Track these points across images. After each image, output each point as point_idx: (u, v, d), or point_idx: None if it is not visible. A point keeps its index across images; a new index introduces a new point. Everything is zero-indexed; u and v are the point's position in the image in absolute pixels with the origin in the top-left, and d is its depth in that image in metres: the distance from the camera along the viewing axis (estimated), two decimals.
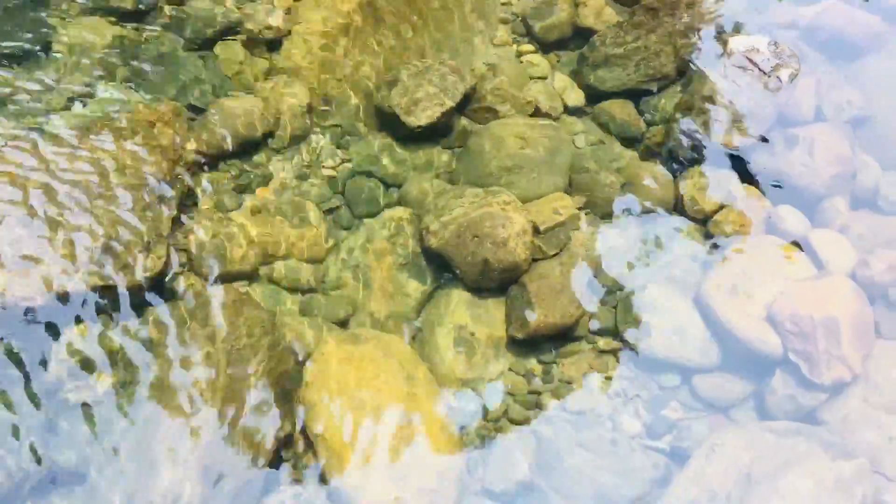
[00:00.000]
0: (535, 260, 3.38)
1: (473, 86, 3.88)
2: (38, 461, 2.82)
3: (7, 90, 3.70)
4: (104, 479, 2.77)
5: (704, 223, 3.52)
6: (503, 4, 4.33)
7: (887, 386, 3.06)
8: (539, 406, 3.14)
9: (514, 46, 4.19)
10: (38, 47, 3.87)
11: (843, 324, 3.06)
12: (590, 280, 3.38)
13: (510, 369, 3.23)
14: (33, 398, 2.92)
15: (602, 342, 3.27)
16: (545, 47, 4.19)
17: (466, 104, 3.87)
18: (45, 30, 3.93)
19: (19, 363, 2.98)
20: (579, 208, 3.56)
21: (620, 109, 3.90)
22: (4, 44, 3.82)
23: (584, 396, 3.15)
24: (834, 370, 3.04)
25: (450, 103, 3.75)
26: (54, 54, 3.86)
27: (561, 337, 3.27)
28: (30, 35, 3.90)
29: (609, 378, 3.20)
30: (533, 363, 3.26)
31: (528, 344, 3.25)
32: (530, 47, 4.19)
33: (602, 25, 4.14)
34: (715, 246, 3.46)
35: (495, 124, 3.78)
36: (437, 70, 3.84)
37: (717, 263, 3.36)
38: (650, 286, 3.35)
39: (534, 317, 3.20)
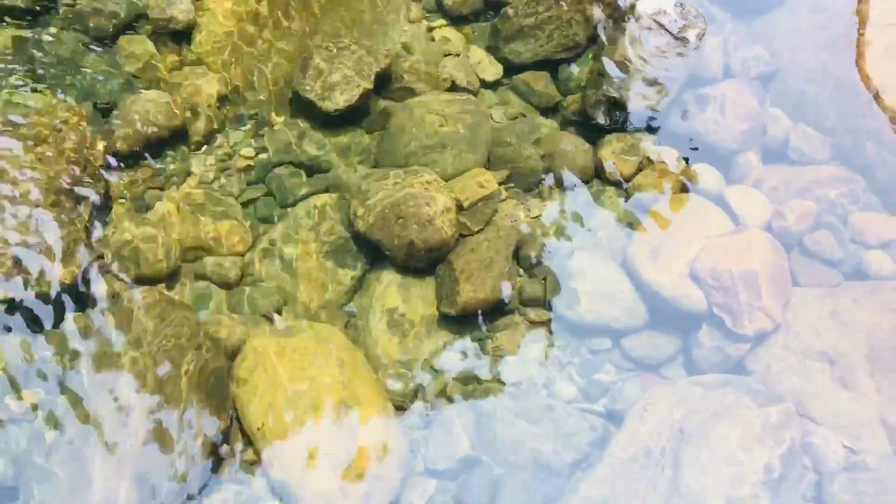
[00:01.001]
0: (461, 236, 3.39)
1: (389, 66, 3.84)
2: None
3: None
4: (38, 493, 2.69)
5: (624, 187, 3.57)
6: None
7: (807, 332, 3.17)
8: (476, 380, 3.16)
9: (427, 23, 4.16)
10: None
11: (761, 275, 3.15)
12: (518, 252, 3.41)
13: (444, 347, 3.24)
14: None
15: (533, 313, 3.30)
16: (457, 21, 4.17)
17: (383, 85, 3.84)
18: None
19: None
20: (502, 182, 3.58)
21: (536, 80, 3.91)
22: None
23: (519, 367, 3.18)
24: (756, 321, 3.13)
25: (366, 85, 3.71)
26: None
27: (492, 311, 3.29)
28: None
29: (542, 347, 3.24)
30: (466, 339, 3.27)
31: (460, 320, 3.26)
32: (443, 22, 4.16)
33: None
34: (636, 209, 3.52)
35: (413, 103, 3.75)
36: (352, 52, 3.79)
37: (638, 226, 3.43)
38: (576, 253, 3.39)
39: (463, 293, 3.21)
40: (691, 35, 3.74)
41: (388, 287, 3.35)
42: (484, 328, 3.28)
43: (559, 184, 3.60)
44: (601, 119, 3.72)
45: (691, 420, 2.86)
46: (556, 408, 3.07)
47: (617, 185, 3.59)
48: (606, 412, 3.09)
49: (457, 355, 3.22)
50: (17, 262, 3.07)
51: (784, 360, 3.13)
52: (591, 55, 3.94)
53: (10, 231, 3.11)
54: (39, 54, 3.76)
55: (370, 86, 3.72)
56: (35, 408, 2.88)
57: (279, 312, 3.31)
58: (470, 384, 3.16)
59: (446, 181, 3.50)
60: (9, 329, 3.00)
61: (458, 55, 4.02)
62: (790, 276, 3.31)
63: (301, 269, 3.40)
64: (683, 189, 3.54)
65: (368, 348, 3.22)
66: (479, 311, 3.26)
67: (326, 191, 3.62)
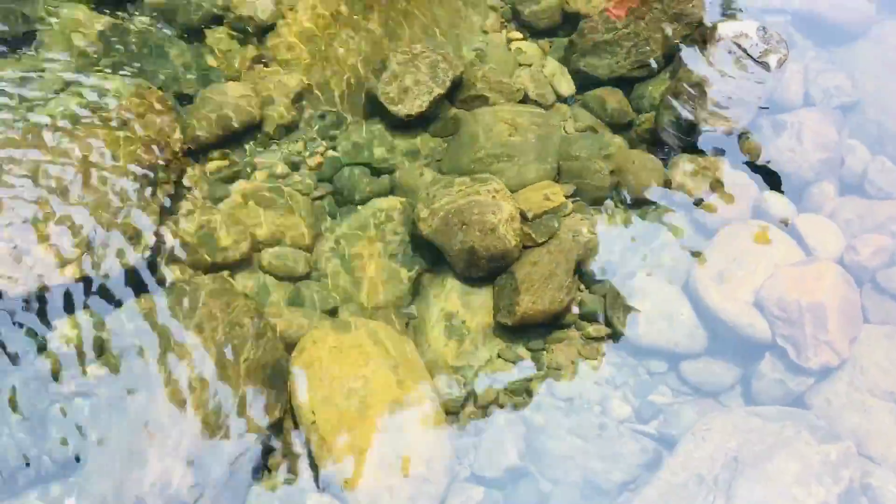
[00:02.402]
0: (524, 247, 3.38)
1: (462, 73, 3.87)
2: (31, 453, 2.83)
3: None
4: (95, 470, 2.77)
5: (693, 209, 3.52)
6: None
7: (874, 370, 3.08)
8: (528, 392, 3.15)
9: (504, 33, 4.18)
10: (25, 35, 3.85)
11: (829, 309, 3.07)
12: (579, 267, 3.39)
13: (499, 356, 3.24)
14: (24, 390, 2.92)
15: (590, 329, 3.28)
16: (535, 34, 4.18)
17: (456, 92, 3.87)
18: (32, 17, 3.91)
19: (9, 354, 2.98)
20: (568, 196, 3.56)
21: (610, 96, 3.89)
22: None
23: (573, 382, 3.16)
24: (821, 355, 3.05)
25: (439, 91, 3.74)
26: (42, 42, 3.84)
27: (549, 324, 3.27)
28: (17, 23, 3.87)
29: (597, 364, 3.21)
30: (522, 350, 3.27)
31: (516, 331, 3.26)
32: (519, 34, 4.17)
33: (592, 11, 4.12)
34: (703, 232, 3.47)
35: (484, 111, 3.77)
36: (427, 57, 3.83)
37: (705, 249, 3.37)
38: (639, 273, 3.36)
39: (521, 304, 3.20)
40: (772, 60, 3.67)
41: (448, 292, 3.36)
42: (540, 341, 3.27)
43: (626, 201, 3.57)
44: (673, 139, 3.67)
45: (747, 450, 2.80)
46: (609, 426, 3.04)
47: (685, 206, 3.54)
48: (659, 435, 3.04)
49: (511, 365, 3.21)
50: (91, 240, 3.17)
51: (847, 398, 3.04)
52: (667, 74, 3.90)
53: (86, 210, 3.22)
54: (128, 42, 3.89)
55: (443, 92, 3.75)
56: (99, 383, 2.96)
57: (339, 309, 3.35)
58: (522, 395, 3.14)
59: (512, 191, 3.50)
60: (81, 305, 3.09)
61: (532, 67, 4.02)
62: (860, 312, 3.21)
63: (363, 268, 3.44)
64: (753, 215, 3.47)
65: (423, 351, 3.23)
66: (537, 324, 3.24)
67: (392, 193, 3.66)
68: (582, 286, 3.37)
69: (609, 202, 3.59)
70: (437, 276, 3.44)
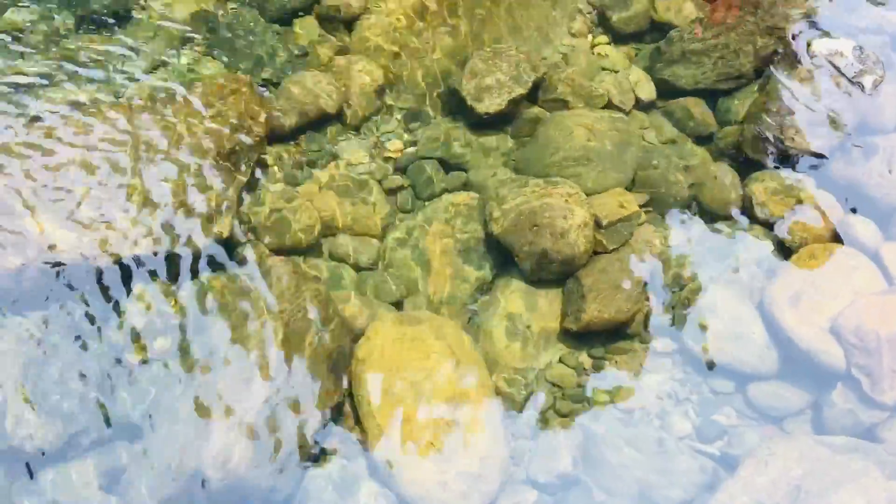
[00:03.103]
0: (595, 254, 3.35)
1: (545, 75, 3.85)
2: (99, 416, 2.93)
3: (89, 54, 3.83)
4: (159, 438, 2.85)
5: (772, 228, 3.43)
6: None
7: None
8: (588, 400, 3.12)
9: (589, 37, 4.15)
10: (121, 14, 3.99)
11: None
12: (649, 278, 3.33)
13: (561, 361, 3.22)
14: (98, 355, 3.02)
15: (657, 341, 3.23)
16: (620, 39, 4.13)
17: (537, 93, 3.85)
18: None
19: (86, 320, 3.08)
20: (643, 205, 3.51)
21: (694, 107, 3.82)
22: (89, 8, 3.95)
23: (635, 394, 3.12)
24: None
25: (520, 91, 3.74)
26: (137, 21, 3.97)
27: (615, 333, 3.24)
28: (114, 1, 4.01)
29: (661, 378, 3.16)
30: (584, 357, 3.24)
31: (580, 337, 3.23)
32: (605, 39, 4.13)
33: (681, 20, 4.06)
34: (782, 252, 3.38)
35: (564, 115, 3.75)
36: (510, 57, 3.83)
37: (782, 270, 3.28)
38: (711, 288, 3.29)
39: (588, 310, 3.17)
40: (867, 81, 3.55)
41: (514, 293, 3.35)
42: (604, 349, 3.23)
43: (703, 215, 3.51)
44: (757, 155, 3.59)
45: (812, 481, 2.71)
46: (668, 442, 2.99)
47: (764, 224, 3.45)
48: (720, 455, 2.98)
49: (572, 371, 3.19)
50: (169, 216, 3.26)
51: None
52: (755, 88, 3.80)
53: (169, 186, 3.31)
54: (219, 26, 4.00)
55: (524, 92, 3.74)
56: (168, 355, 3.04)
57: (404, 301, 3.38)
58: (581, 402, 3.12)
59: (587, 196, 3.47)
60: (156, 278, 3.18)
61: (616, 73, 3.98)
62: None
63: (431, 262, 3.45)
64: (836, 238, 3.37)
65: (486, 350, 3.23)
66: (602, 332, 3.21)
67: (466, 189, 3.67)
68: (651, 298, 3.32)
69: (685, 215, 3.53)
70: (504, 276, 3.43)
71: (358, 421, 2.99)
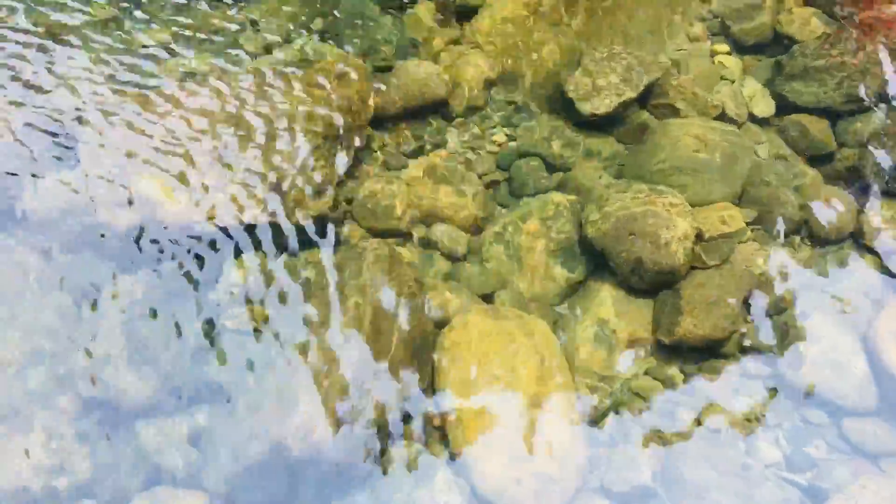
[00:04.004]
0: (693, 267, 3.26)
1: (657, 80, 3.77)
2: (191, 376, 3.03)
3: (212, 27, 3.95)
4: (245, 406, 2.92)
5: (885, 259, 3.27)
6: (703, 1, 4.17)
7: None
8: (672, 414, 3.05)
9: (708, 45, 4.04)
10: None
11: None
12: (748, 297, 3.23)
13: (647, 373, 3.15)
14: (194, 318, 3.13)
15: (750, 363, 3.12)
16: (740, 50, 4.01)
17: (647, 97, 3.78)
18: None
19: (187, 283, 3.20)
20: (749, 222, 3.40)
21: (812, 126, 3.67)
22: None
23: (722, 414, 3.02)
24: None
25: (630, 95, 3.67)
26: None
27: (708, 350, 3.15)
28: None
29: (752, 402, 3.06)
30: (674, 371, 3.16)
31: (671, 351, 3.16)
32: (724, 48, 4.02)
33: (806, 35, 3.91)
34: (892, 285, 3.22)
35: (674, 122, 3.66)
36: (623, 59, 3.77)
37: (892, 303, 3.13)
38: (813, 315, 3.16)
39: (682, 324, 3.10)
40: None
41: (604, 298, 3.30)
42: (695, 365, 3.15)
43: (812, 237, 3.37)
44: (876, 182, 3.42)
45: None
46: (753, 467, 2.89)
47: (877, 253, 3.29)
48: (808, 487, 2.86)
49: (659, 385, 3.12)
50: (274, 189, 3.34)
51: None
52: (881, 113, 3.63)
53: (275, 160, 3.40)
54: (336, 9, 4.07)
55: (634, 96, 3.68)
56: (262, 325, 3.12)
57: (493, 295, 3.37)
58: (666, 416, 3.05)
59: (691, 207, 3.38)
60: (255, 249, 3.27)
61: (732, 83, 3.86)
62: None
63: (524, 259, 3.43)
64: None
65: (571, 353, 3.20)
66: (695, 348, 3.13)
67: (565, 189, 3.63)
68: (749, 318, 3.21)
69: (793, 236, 3.40)
70: (595, 280, 3.39)
71: (439, 408, 3.00)
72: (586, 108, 3.67)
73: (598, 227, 3.32)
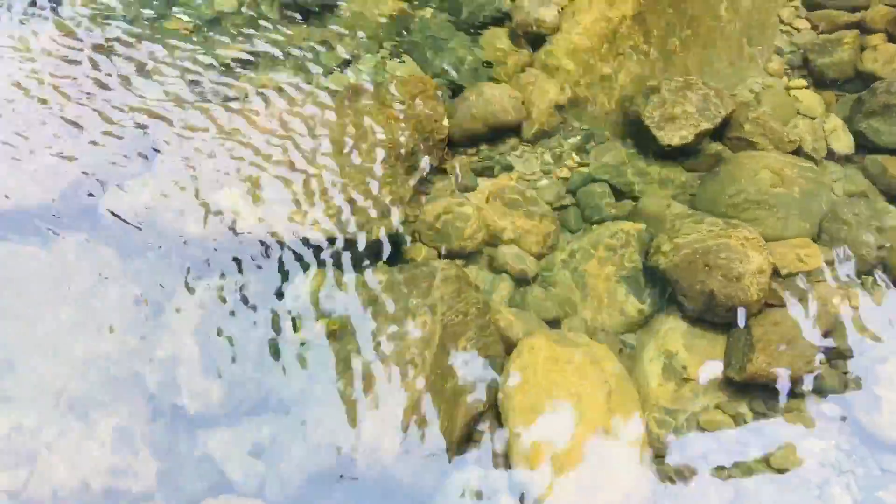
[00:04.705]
0: (767, 304, 3.20)
1: (734, 111, 3.72)
2: (259, 385, 3.06)
3: (289, 44, 4.03)
4: (309, 418, 2.93)
5: None
6: (783, 33, 4.12)
7: None
8: (741, 453, 2.97)
9: (786, 79, 3.98)
10: (325, 7, 4.17)
11: None
12: (824, 338, 3.15)
13: (717, 409, 3.08)
14: (263, 328, 3.16)
15: (824, 405, 3.04)
16: (820, 85, 3.95)
17: (723, 129, 3.73)
18: None
19: (257, 294, 3.24)
20: (826, 261, 3.32)
21: (892, 165, 3.59)
22: None
23: (794, 457, 2.94)
24: None
25: (706, 126, 3.63)
26: (337, 15, 4.14)
27: (780, 390, 3.07)
28: None
29: (825, 445, 2.97)
30: (744, 409, 3.09)
31: (741, 388, 3.09)
32: (803, 83, 3.96)
33: (888, 72, 3.83)
34: None
35: (750, 155, 3.61)
36: (699, 89, 3.73)
37: None
38: (891, 358, 3.07)
39: (755, 362, 3.03)
40: None
41: (673, 330, 3.25)
42: (766, 404, 3.07)
43: (892, 280, 3.28)
44: None
45: None
46: None
47: None
48: None
49: (729, 421, 3.05)
50: (344, 205, 3.37)
51: None
52: None
53: (349, 176, 3.43)
54: (412, 29, 4.11)
55: (711, 127, 3.64)
56: (329, 340, 3.13)
57: (560, 321, 3.34)
58: (734, 455, 2.97)
59: (766, 242, 3.32)
60: (324, 263, 3.29)
61: (811, 119, 3.80)
62: None
63: (591, 286, 3.40)
64: None
65: (639, 385, 3.15)
66: (766, 386, 3.06)
67: (634, 218, 3.60)
68: (824, 359, 3.13)
69: (871, 277, 3.31)
70: (664, 312, 3.34)
71: (503, 434, 2.98)
72: (662, 137, 3.64)
73: (670, 257, 3.28)
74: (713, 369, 3.17)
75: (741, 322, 3.17)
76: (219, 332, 3.15)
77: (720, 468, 2.95)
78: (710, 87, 3.75)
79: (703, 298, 3.18)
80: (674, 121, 3.64)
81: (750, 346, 3.07)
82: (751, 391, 3.09)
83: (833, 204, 3.49)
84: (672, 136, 3.62)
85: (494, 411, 3.04)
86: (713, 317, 3.21)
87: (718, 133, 3.73)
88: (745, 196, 3.45)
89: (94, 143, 3.58)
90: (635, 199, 3.66)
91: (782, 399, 3.08)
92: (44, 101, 3.69)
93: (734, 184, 3.50)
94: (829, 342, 3.15)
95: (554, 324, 3.35)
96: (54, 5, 4.16)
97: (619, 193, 3.67)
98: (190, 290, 3.24)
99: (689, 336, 3.24)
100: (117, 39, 4.00)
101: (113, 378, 3.10)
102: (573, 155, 3.79)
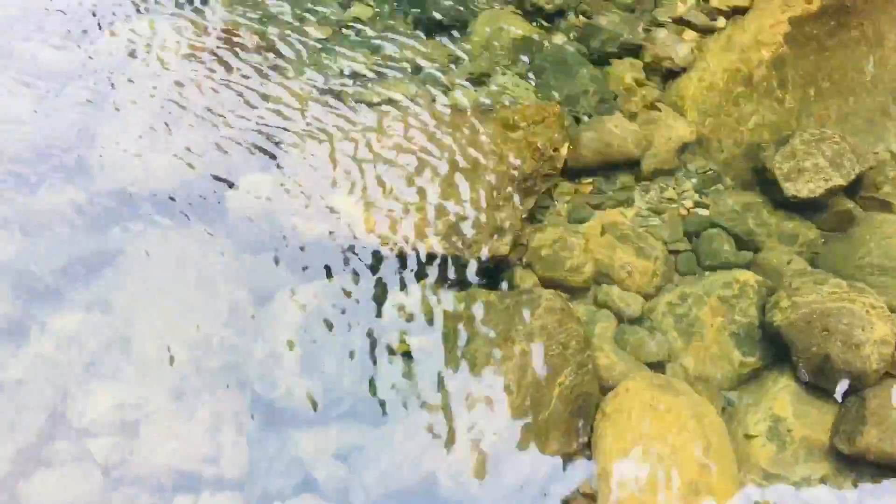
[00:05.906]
0: (887, 375, 3.02)
1: (870, 169, 3.55)
2: (353, 391, 3.09)
3: (416, 58, 4.08)
4: (402, 430, 2.95)
5: None
6: None
7: None
8: None
9: None
10: (456, 25, 4.22)
11: None
12: None
13: (821, 480, 2.93)
14: (362, 335, 3.20)
15: None
16: None
17: (857, 187, 3.56)
18: (466, 10, 4.26)
19: (360, 300, 3.28)
20: None
21: None
22: (431, 13, 4.22)
23: None
24: None
25: (839, 182, 3.47)
26: (468, 35, 4.18)
27: (891, 469, 2.89)
28: (453, 11, 4.25)
29: None
30: (848, 483, 2.92)
31: (850, 461, 2.92)
32: None
33: None
34: None
35: (884, 217, 3.43)
36: (835, 143, 3.57)
37: None
38: None
39: (866, 436, 2.86)
40: None
41: (782, 391, 3.11)
42: (873, 483, 2.90)
43: None
44: None
45: None
46: None
47: None
48: None
49: (833, 495, 2.89)
50: (456, 223, 3.38)
51: None
52: None
53: (463, 195, 3.44)
54: (540, 54, 4.10)
55: (844, 183, 3.48)
56: (426, 354, 3.13)
57: (662, 366, 3.25)
58: None
59: (891, 311, 3.14)
60: (433, 275, 3.30)
61: None
62: None
63: (699, 334, 3.29)
64: None
65: (738, 442, 3.02)
66: (877, 464, 2.88)
67: (752, 269, 3.46)
68: None
69: None
70: (774, 372, 3.20)
71: (592, 475, 2.91)
72: (790, 188, 3.50)
73: (787, 315, 3.14)
74: (821, 438, 3.01)
75: (856, 392, 3.00)
76: (319, 334, 3.20)
77: None
78: (846, 142, 3.58)
79: (818, 362, 3.04)
80: (803, 173, 3.50)
81: (862, 418, 2.90)
82: (859, 467, 2.92)
83: None
84: (800, 189, 3.48)
85: (585, 451, 2.98)
86: (826, 382, 3.05)
87: (852, 190, 3.56)
88: (872, 259, 3.28)
89: (225, 137, 3.72)
90: (755, 249, 3.53)
91: (892, 478, 2.89)
92: (182, 95, 3.86)
93: (863, 245, 3.33)
94: None
95: (654, 367, 3.26)
96: (201, 4, 4.35)
97: (738, 241, 3.55)
98: (297, 289, 3.31)
99: (798, 399, 3.09)
100: (259, 37, 4.14)
101: (216, 368, 3.19)
102: (694, 196, 3.69)
